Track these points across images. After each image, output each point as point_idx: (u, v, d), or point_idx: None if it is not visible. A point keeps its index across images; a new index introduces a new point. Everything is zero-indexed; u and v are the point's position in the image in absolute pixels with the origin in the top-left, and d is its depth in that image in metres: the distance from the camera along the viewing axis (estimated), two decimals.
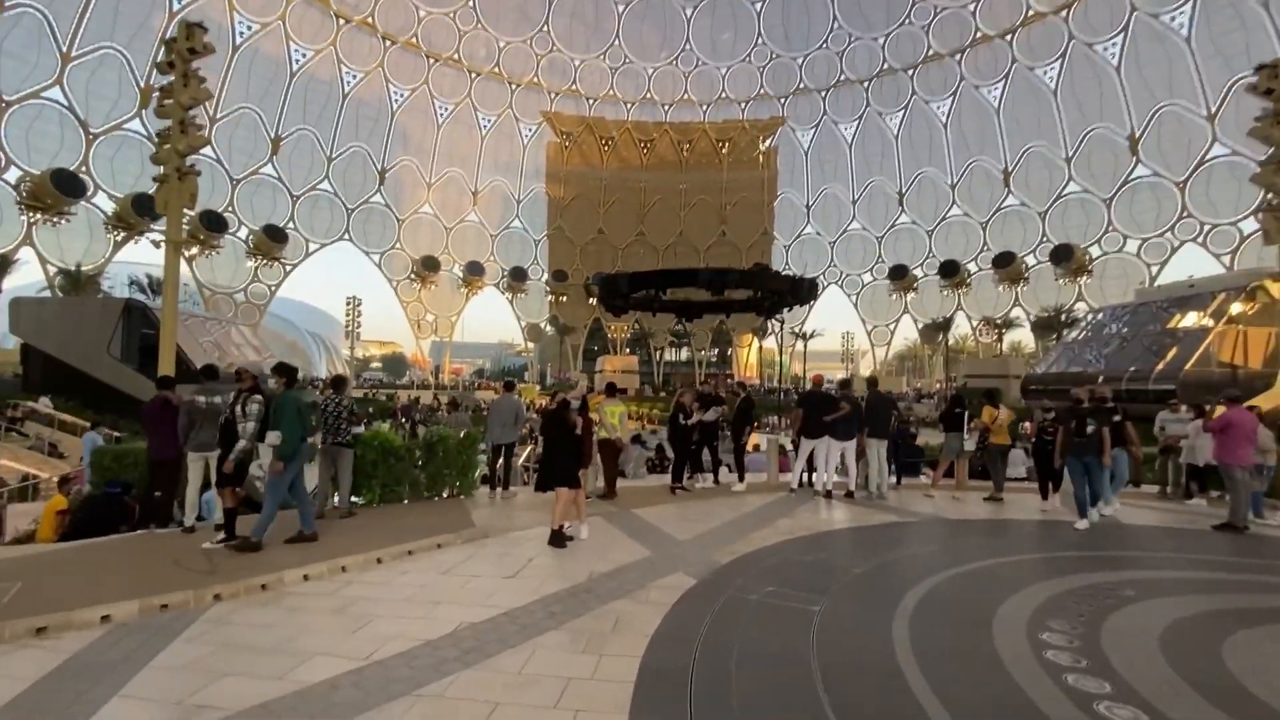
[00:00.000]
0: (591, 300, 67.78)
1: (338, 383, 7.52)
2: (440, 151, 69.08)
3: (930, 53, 63.53)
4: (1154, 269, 51.21)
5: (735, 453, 10.34)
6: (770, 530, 7.02)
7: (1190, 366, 30.98)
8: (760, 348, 66.27)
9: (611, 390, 9.20)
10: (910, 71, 65.40)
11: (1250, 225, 45.35)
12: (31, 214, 40.52)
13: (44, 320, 24.01)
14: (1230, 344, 32.09)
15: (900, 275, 65.22)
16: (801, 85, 70.67)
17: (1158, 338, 35.39)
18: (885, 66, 66.61)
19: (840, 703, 3.12)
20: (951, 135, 63.94)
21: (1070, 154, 55.99)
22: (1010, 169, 60.09)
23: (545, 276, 72.58)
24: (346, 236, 64.25)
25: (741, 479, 9.90)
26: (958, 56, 61.98)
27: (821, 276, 63.70)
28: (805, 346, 65.57)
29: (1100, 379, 34.89)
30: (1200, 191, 48.40)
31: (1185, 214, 49.33)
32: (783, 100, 71.68)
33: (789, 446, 12.54)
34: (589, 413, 7.09)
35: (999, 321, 58.51)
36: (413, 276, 66.75)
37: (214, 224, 53.65)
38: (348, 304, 50.48)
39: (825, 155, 71.55)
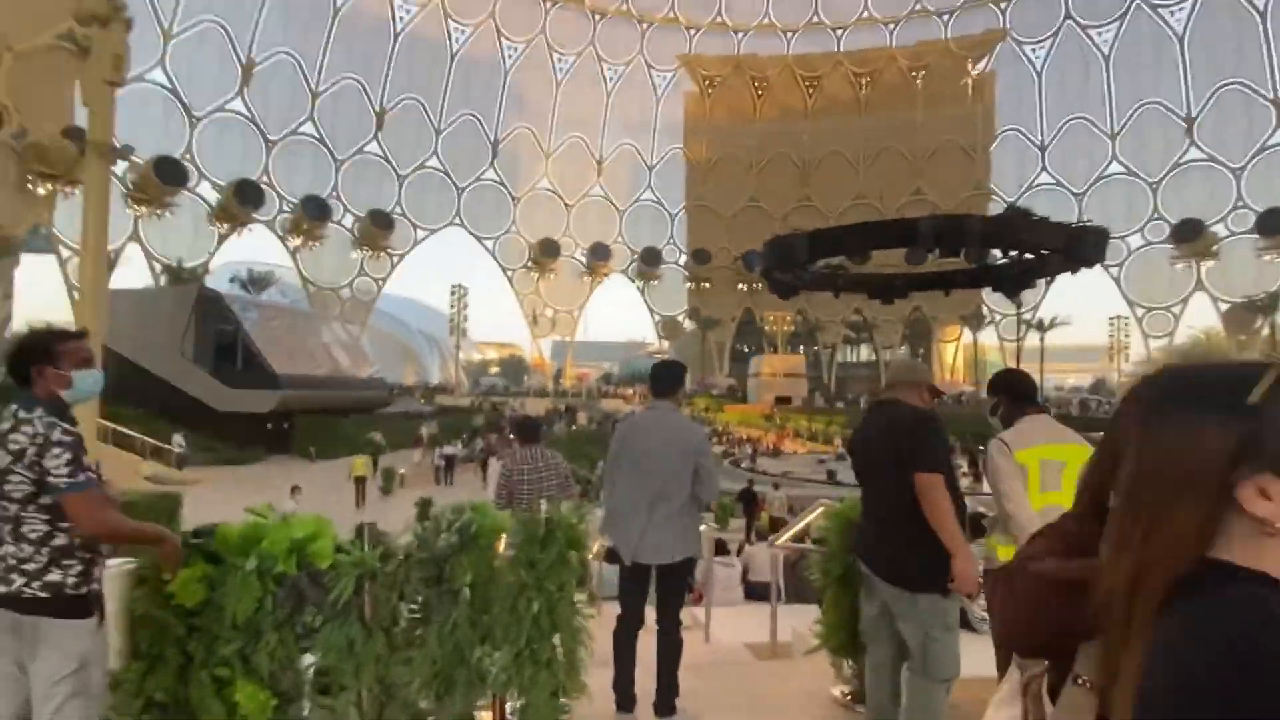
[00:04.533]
0: (741, 285, 64.48)
1: None
2: (560, 115, 69.74)
3: None
4: None
5: None
6: None
7: None
8: (974, 343, 58.79)
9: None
10: None
11: None
12: (137, 207, 45.64)
13: (117, 315, 24.35)
14: None
15: (1192, 235, 54.66)
16: None
17: None
18: None
19: None
20: (1273, 27, 52.43)
21: None
22: None
23: (683, 259, 70.40)
24: (457, 220, 66.72)
25: None
26: None
27: None
28: (1042, 340, 57.21)
29: None
30: None
31: None
32: (1003, 6, 63.36)
33: None
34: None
35: None
36: (530, 264, 67.75)
37: (318, 211, 57.88)
38: (452, 294, 51.64)
39: (1069, 75, 62.20)
